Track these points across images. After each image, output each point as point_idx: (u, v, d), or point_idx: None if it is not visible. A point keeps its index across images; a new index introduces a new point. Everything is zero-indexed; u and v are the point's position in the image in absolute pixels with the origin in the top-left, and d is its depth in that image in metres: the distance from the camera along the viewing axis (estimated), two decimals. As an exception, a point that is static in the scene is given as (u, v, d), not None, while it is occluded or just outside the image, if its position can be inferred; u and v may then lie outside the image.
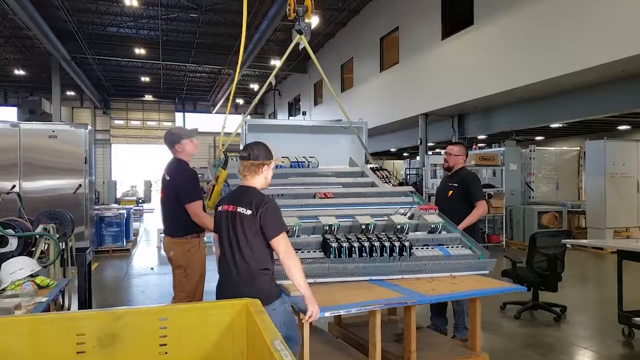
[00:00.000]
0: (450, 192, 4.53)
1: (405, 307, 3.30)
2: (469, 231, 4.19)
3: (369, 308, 3.00)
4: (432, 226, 3.81)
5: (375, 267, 3.45)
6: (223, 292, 2.78)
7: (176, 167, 3.90)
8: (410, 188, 4.53)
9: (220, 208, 2.86)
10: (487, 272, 3.71)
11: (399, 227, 3.66)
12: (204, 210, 3.88)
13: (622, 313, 4.73)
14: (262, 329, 1.55)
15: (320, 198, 4.08)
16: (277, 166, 4.34)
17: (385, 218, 3.88)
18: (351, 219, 3.79)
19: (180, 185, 3.79)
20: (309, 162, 4.72)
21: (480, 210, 4.39)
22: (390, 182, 4.62)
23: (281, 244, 2.66)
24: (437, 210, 4.03)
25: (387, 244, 3.45)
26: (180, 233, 3.84)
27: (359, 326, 4.12)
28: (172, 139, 3.94)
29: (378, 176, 4.64)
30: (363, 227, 3.61)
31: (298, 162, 4.69)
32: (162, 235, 3.99)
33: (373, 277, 3.47)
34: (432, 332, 4.34)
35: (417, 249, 3.67)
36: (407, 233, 3.68)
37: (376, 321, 3.15)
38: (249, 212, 2.69)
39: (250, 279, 2.69)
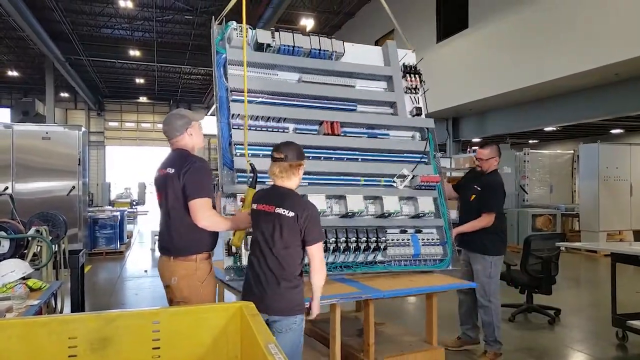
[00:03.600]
0: (474, 196, 4.36)
1: (365, 302, 3.45)
2: (490, 238, 4.22)
3: (326, 302, 3.10)
4: (421, 214, 3.88)
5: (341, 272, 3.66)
6: (250, 293, 2.69)
7: (181, 157, 2.89)
8: (430, 123, 4.23)
9: (255, 206, 2.79)
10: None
11: (386, 214, 3.74)
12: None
13: (615, 316, 4.75)
14: (257, 332, 1.54)
15: (325, 134, 3.78)
16: (294, 50, 3.86)
17: (383, 183, 3.90)
18: (345, 182, 3.79)
19: (189, 178, 2.78)
20: (333, 51, 3.98)
21: (482, 221, 4.22)
22: (418, 93, 4.27)
23: (318, 251, 2.68)
24: (440, 183, 4.00)
25: (362, 245, 3.61)
26: (185, 251, 2.84)
27: (325, 321, 4.20)
28: (180, 124, 2.97)
29: (407, 82, 4.28)
30: (350, 213, 3.66)
31: (320, 50, 3.92)
32: (156, 237, 3.59)
33: (335, 274, 3.63)
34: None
35: (392, 242, 3.77)
36: (395, 216, 3.80)
37: (336, 315, 3.29)
38: (291, 214, 2.63)
39: (281, 285, 2.65)
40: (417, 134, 4.25)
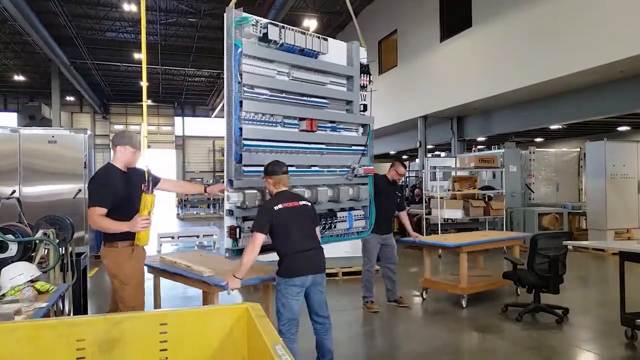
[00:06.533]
0: (399, 198, 6.04)
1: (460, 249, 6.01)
2: (391, 222, 6.14)
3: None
4: (360, 199, 4.69)
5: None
6: (310, 261, 3.60)
7: (97, 170, 3.77)
8: (371, 120, 4.83)
9: (280, 206, 3.55)
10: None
11: (340, 201, 4.52)
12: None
13: (624, 315, 4.71)
14: (263, 333, 1.54)
15: (303, 130, 4.20)
16: (292, 48, 4.10)
17: (338, 172, 4.56)
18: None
19: (88, 188, 3.65)
20: (320, 52, 4.32)
21: (407, 216, 6.40)
22: (366, 91, 4.82)
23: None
24: (372, 174, 4.88)
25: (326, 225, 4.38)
26: (107, 239, 3.58)
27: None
28: (114, 141, 3.72)
29: (362, 82, 4.73)
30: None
31: (312, 50, 4.24)
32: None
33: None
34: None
35: (339, 219, 4.53)
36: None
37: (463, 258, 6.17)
38: (309, 204, 3.76)
39: (320, 249, 3.73)
40: (361, 129, 4.78)
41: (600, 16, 7.86)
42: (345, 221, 4.56)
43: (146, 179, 3.46)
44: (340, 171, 4.55)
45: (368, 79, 4.82)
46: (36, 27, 13.31)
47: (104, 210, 3.44)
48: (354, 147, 4.68)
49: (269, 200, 3.69)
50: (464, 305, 5.93)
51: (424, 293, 6.41)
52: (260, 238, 3.50)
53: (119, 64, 20.00)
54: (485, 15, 10.66)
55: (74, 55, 17.62)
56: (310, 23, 15.48)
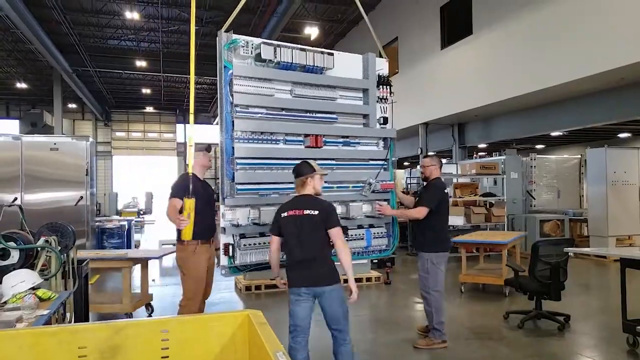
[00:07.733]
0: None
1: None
2: (424, 237, 4.72)
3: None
4: (377, 215, 4.51)
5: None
6: (303, 273, 3.46)
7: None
8: (392, 133, 4.64)
9: (286, 214, 3.49)
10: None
11: (352, 218, 4.35)
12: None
13: (626, 322, 4.70)
14: (264, 340, 1.55)
15: (307, 147, 4.15)
16: (291, 66, 4.09)
17: (351, 188, 4.42)
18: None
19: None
20: (324, 67, 4.22)
21: (413, 212, 4.72)
22: (386, 102, 4.67)
23: (339, 234, 3.46)
24: (394, 189, 4.61)
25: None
26: (178, 237, 4.21)
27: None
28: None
29: (379, 92, 4.58)
30: None
31: (314, 65, 4.15)
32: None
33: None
34: None
35: (351, 237, 4.30)
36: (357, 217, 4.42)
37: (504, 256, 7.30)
38: (315, 212, 3.44)
39: (321, 261, 3.47)
40: (381, 142, 4.63)
41: (601, 23, 7.89)
42: (362, 239, 4.36)
43: (190, 185, 3.83)
44: (354, 187, 4.38)
45: (388, 90, 4.63)
46: (38, 35, 13.39)
47: (179, 202, 4.02)
48: (371, 162, 4.49)
49: (283, 204, 3.66)
50: (507, 294, 6.81)
51: (462, 288, 7.20)
52: (275, 240, 3.59)
53: (121, 71, 20.08)
54: (486, 23, 10.71)
55: (76, 63, 17.71)
56: (312, 30, 15.56)
